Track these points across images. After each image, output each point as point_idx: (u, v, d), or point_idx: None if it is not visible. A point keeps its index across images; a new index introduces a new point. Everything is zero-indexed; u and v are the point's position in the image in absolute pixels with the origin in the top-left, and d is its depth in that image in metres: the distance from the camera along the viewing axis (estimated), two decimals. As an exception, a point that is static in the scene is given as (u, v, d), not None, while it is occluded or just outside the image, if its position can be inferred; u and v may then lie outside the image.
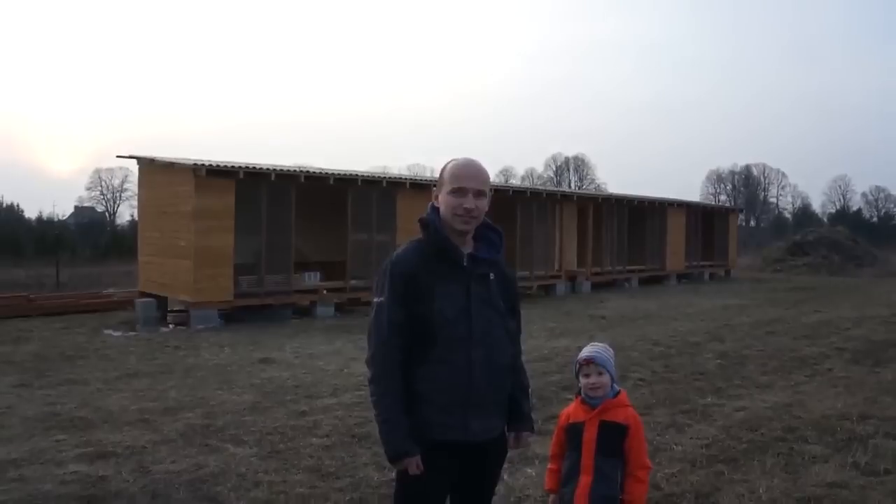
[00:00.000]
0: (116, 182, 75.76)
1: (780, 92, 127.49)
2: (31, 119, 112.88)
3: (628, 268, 26.89)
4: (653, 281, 27.73)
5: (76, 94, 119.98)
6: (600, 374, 3.36)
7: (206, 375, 10.00)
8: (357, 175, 19.11)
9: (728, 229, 32.72)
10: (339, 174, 18.47)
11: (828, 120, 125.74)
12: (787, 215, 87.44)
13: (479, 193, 2.98)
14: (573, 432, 3.39)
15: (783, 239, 44.54)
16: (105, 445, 6.56)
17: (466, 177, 2.98)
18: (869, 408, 7.65)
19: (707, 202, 59.86)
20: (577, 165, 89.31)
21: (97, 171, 76.50)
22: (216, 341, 13.25)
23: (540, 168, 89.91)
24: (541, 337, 13.33)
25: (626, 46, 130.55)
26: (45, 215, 64.31)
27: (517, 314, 3.21)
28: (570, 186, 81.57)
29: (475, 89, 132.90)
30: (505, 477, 5.35)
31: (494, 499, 3.30)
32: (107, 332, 14.86)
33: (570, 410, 3.49)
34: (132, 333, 14.72)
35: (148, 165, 18.60)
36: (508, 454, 3.28)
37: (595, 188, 77.13)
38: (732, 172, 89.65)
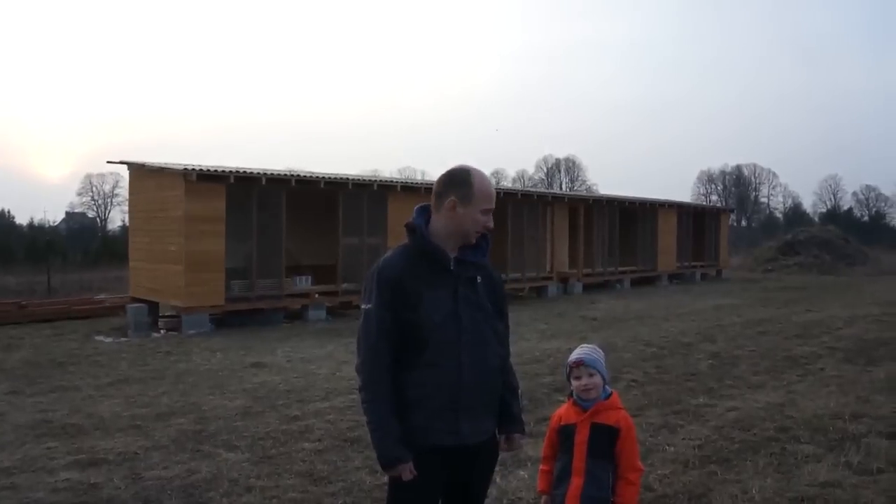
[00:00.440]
0: (108, 187, 75.69)
1: (770, 92, 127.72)
2: (22, 125, 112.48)
3: (620, 269, 26.95)
4: (644, 282, 27.79)
5: (67, 100, 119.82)
6: (591, 375, 3.35)
7: (198, 381, 9.97)
8: (348, 178, 19.09)
9: (719, 229, 32.82)
10: (329, 178, 18.44)
11: (819, 120, 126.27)
12: (779, 215, 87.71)
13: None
14: (565, 434, 3.39)
15: (774, 239, 44.65)
16: (97, 452, 6.54)
17: (493, 196, 3.08)
18: (861, 407, 7.66)
19: (698, 202, 59.99)
20: (569, 167, 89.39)
21: (88, 177, 76.36)
22: (207, 346, 13.22)
23: (531, 170, 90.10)
24: (532, 338, 13.35)
25: (610, 46, 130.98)
26: (36, 221, 64.23)
27: (505, 316, 3.22)
28: (561, 188, 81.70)
29: (465, 92, 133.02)
30: (497, 479, 5.35)
31: (487, 501, 3.29)
32: (98, 338, 14.81)
33: (562, 412, 3.48)
34: (123, 339, 14.67)
35: (138, 170, 18.54)
36: (501, 456, 3.28)
37: (586, 189, 77.19)
38: (723, 172, 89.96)
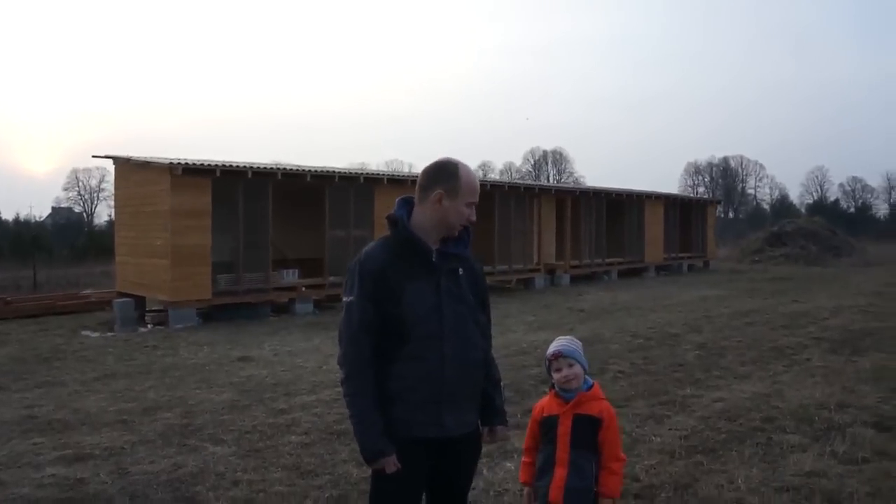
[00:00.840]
0: (94, 182, 75.31)
1: (757, 84, 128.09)
2: (7, 119, 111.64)
3: (607, 260, 27.01)
4: (632, 273, 27.86)
5: (53, 94, 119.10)
6: (571, 365, 3.37)
7: (185, 375, 9.94)
8: (335, 171, 19.05)
9: (706, 221, 32.95)
10: (316, 171, 18.39)
11: (805, 111, 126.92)
12: (766, 206, 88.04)
13: None
14: (547, 426, 3.39)
15: (761, 230, 44.75)
16: (83, 447, 6.51)
17: (478, 190, 3.10)
18: (847, 397, 7.71)
19: (685, 194, 60.13)
20: (556, 159, 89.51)
21: (74, 172, 75.99)
22: (194, 340, 13.18)
23: (518, 162, 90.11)
24: (519, 330, 13.36)
25: (595, 38, 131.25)
26: (22, 216, 63.78)
27: (487, 307, 3.21)
28: (548, 180, 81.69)
29: (452, 84, 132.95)
30: (484, 471, 5.36)
31: (473, 493, 3.30)
32: (84, 333, 14.73)
33: (545, 403, 3.49)
34: (110, 334, 14.61)
35: (124, 165, 18.42)
36: (487, 448, 3.28)
37: (574, 181, 77.25)
38: (710, 164, 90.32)
